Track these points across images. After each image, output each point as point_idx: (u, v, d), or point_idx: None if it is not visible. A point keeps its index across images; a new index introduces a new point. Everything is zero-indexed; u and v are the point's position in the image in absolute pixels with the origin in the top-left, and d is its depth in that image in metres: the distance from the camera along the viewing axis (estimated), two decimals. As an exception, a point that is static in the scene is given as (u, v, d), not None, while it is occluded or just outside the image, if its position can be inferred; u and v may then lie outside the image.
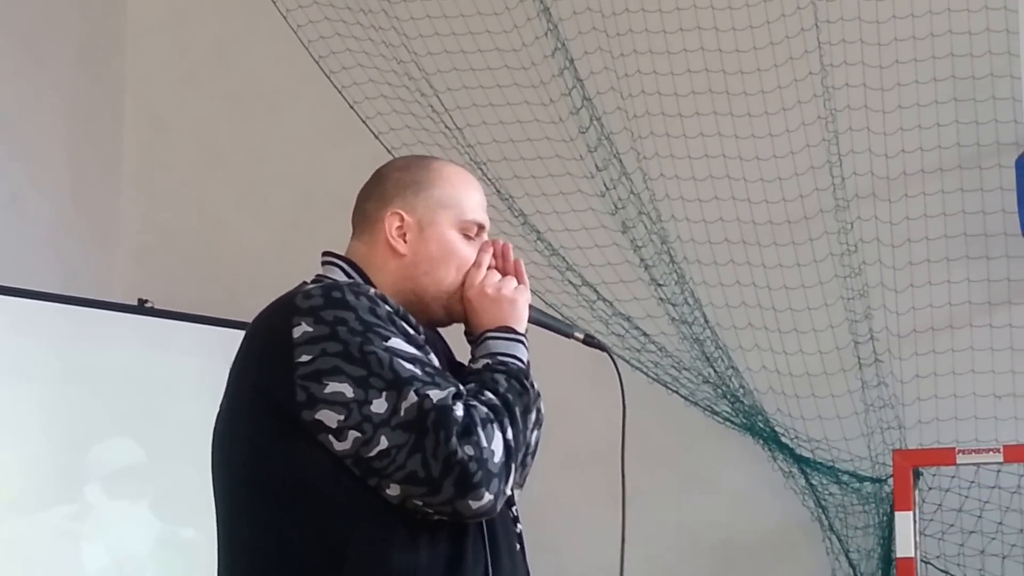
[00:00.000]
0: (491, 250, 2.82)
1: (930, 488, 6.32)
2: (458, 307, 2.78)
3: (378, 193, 2.78)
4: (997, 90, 6.39)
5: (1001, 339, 6.44)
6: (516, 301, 2.76)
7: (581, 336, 2.93)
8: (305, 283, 2.73)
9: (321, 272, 2.79)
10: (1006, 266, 6.44)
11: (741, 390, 6.62)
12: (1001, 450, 6.02)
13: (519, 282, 2.81)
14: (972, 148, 6.49)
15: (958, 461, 6.08)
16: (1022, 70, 6.04)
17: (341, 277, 2.73)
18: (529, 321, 2.81)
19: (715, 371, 6.64)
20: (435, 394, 2.43)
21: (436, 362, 2.58)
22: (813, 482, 6.51)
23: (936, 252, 6.53)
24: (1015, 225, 6.04)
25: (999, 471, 6.26)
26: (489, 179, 6.83)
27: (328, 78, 6.96)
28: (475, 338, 2.74)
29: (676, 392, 6.70)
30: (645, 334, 6.73)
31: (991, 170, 6.42)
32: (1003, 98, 6.36)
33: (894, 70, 6.53)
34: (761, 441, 6.61)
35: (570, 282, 6.82)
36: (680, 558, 6.68)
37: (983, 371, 6.42)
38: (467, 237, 2.80)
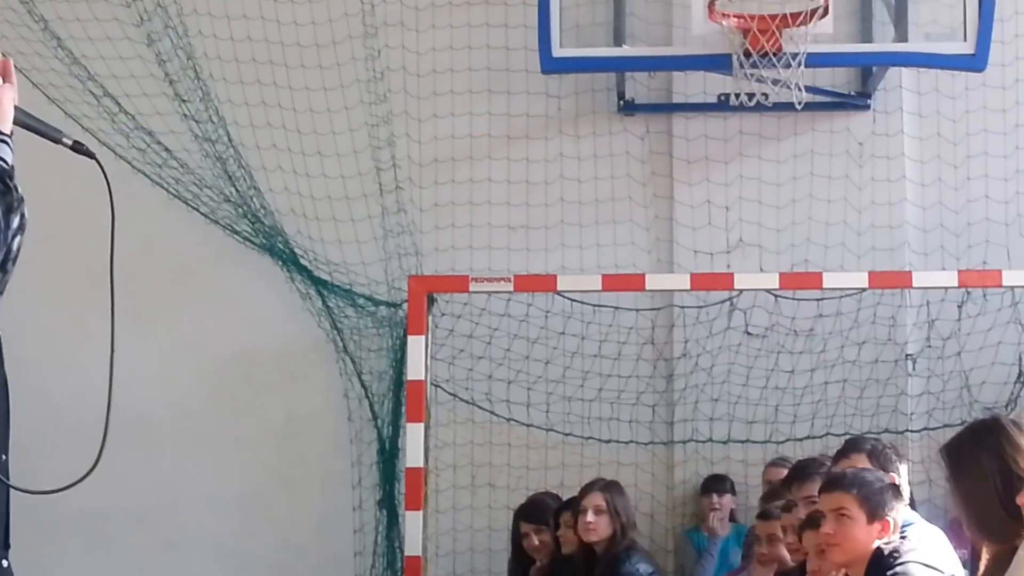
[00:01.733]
0: None
1: (443, 314, 6.49)
2: None
3: None
4: (524, -74, 6.52)
5: (517, 172, 6.63)
6: (0, 100, 2.58)
7: (70, 142, 2.76)
8: None
9: None
10: (526, 102, 6.61)
11: (262, 210, 6.61)
12: (512, 279, 6.22)
13: (5, 81, 2.62)
14: (499, -17, 6.61)
15: (471, 289, 6.26)
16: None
17: None
18: (15, 123, 2.67)
19: (237, 190, 6.61)
20: None
21: None
22: (329, 304, 6.60)
23: (460, 84, 6.64)
24: (536, 63, 6.16)
25: (509, 300, 6.47)
26: (10, -20, 6.57)
27: None
28: None
29: (197, 210, 6.63)
30: (167, 149, 6.63)
31: (516, 7, 6.55)
32: (529, -65, 6.47)
33: None
34: (280, 262, 6.64)
35: (92, 92, 6.63)
36: (198, 376, 6.68)
37: (499, 203, 6.61)
38: None
